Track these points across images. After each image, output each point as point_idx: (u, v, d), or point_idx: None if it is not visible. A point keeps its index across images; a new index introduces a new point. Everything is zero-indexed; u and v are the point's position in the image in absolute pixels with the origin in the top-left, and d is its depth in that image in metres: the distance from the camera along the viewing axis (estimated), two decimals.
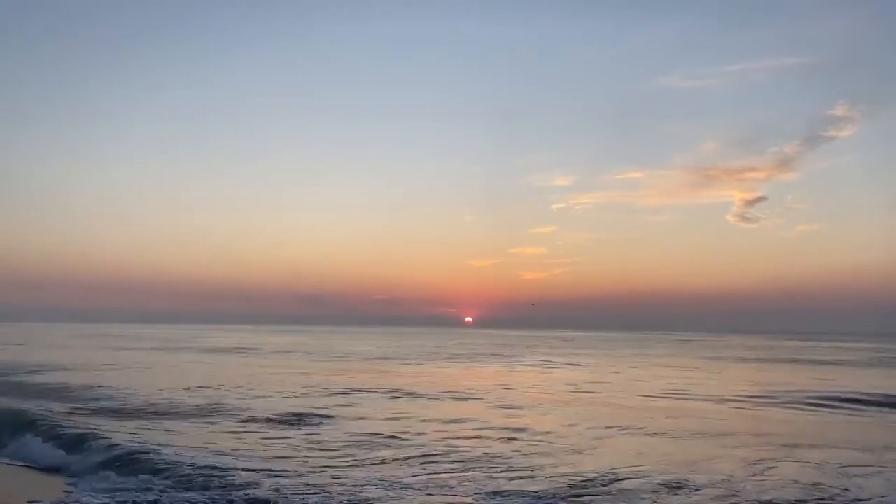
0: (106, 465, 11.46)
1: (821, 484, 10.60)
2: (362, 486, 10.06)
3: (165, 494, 9.57)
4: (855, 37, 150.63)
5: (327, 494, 9.56)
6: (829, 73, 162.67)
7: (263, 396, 21.42)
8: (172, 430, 14.77)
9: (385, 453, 12.55)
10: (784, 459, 12.58)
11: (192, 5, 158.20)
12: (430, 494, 9.74)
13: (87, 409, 17.79)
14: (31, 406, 17.62)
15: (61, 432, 14.00)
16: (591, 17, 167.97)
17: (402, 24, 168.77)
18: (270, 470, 10.92)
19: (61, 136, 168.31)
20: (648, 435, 15.31)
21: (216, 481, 10.09)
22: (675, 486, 10.24)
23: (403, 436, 14.34)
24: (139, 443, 12.79)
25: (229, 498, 9.38)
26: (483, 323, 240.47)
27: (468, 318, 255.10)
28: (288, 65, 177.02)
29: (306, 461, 11.83)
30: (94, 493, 9.85)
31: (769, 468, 11.74)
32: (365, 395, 22.55)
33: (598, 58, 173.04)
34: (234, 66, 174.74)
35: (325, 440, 13.88)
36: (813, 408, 21.50)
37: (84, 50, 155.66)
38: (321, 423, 16.09)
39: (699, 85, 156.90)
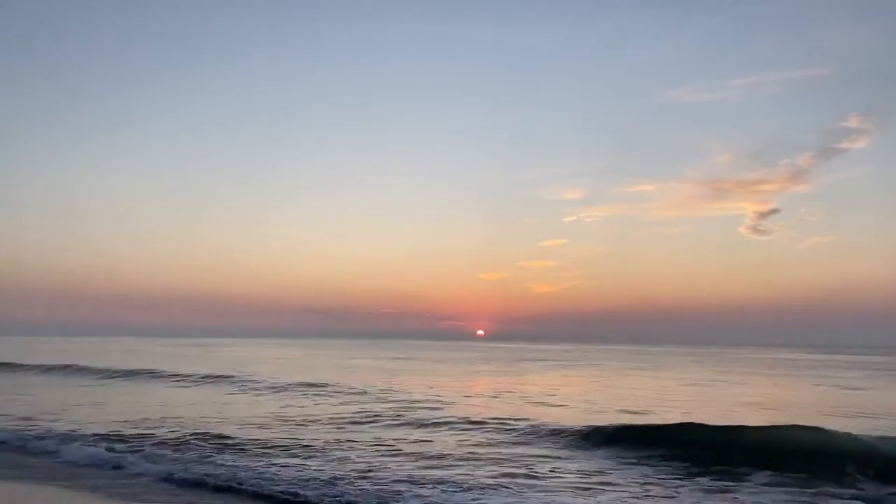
0: None
1: None
2: None
3: None
4: (868, 47, 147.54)
5: None
6: (841, 84, 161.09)
7: None
8: None
9: None
10: None
11: (207, 8, 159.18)
12: None
13: None
14: None
15: None
16: (601, 29, 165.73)
17: (405, 30, 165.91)
18: None
19: (69, 146, 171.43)
20: None
21: None
22: None
23: None
24: None
25: None
26: (494, 337, 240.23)
27: (479, 332, 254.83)
28: (284, 78, 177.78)
29: None
30: None
31: None
32: None
33: (608, 69, 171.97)
34: (229, 79, 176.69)
35: None
36: None
37: (92, 56, 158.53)
38: None
39: (711, 97, 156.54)
